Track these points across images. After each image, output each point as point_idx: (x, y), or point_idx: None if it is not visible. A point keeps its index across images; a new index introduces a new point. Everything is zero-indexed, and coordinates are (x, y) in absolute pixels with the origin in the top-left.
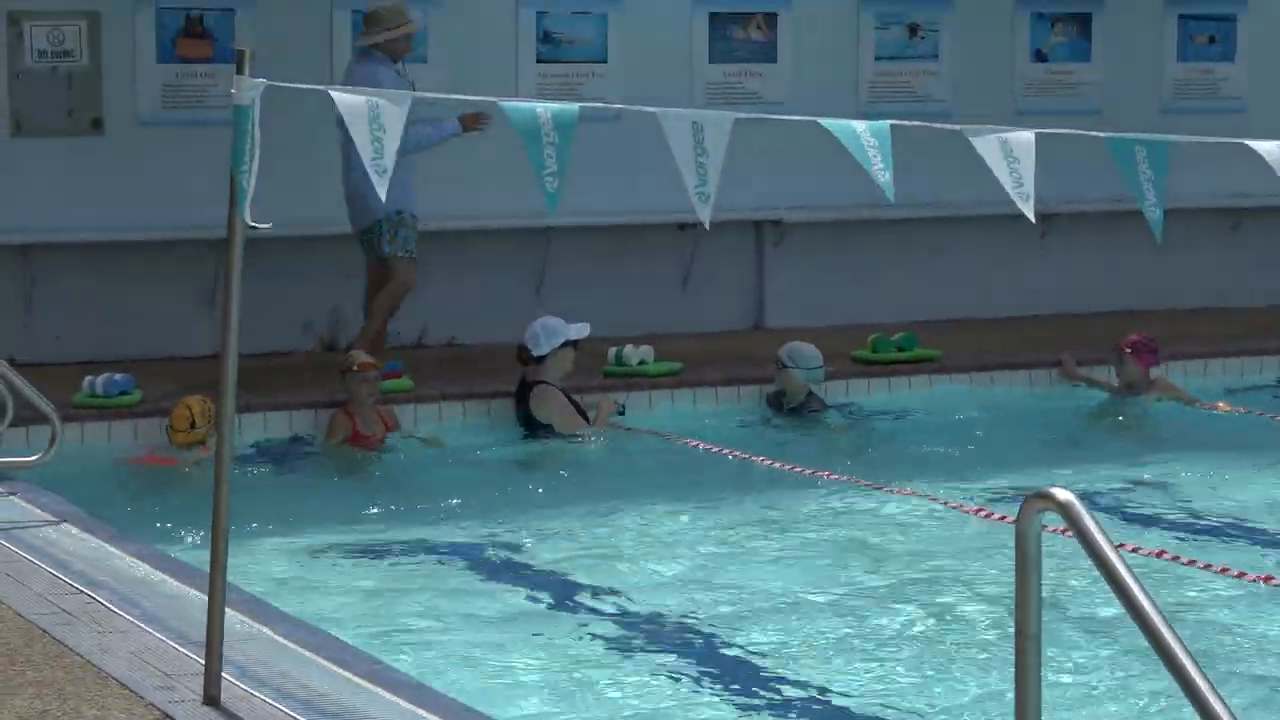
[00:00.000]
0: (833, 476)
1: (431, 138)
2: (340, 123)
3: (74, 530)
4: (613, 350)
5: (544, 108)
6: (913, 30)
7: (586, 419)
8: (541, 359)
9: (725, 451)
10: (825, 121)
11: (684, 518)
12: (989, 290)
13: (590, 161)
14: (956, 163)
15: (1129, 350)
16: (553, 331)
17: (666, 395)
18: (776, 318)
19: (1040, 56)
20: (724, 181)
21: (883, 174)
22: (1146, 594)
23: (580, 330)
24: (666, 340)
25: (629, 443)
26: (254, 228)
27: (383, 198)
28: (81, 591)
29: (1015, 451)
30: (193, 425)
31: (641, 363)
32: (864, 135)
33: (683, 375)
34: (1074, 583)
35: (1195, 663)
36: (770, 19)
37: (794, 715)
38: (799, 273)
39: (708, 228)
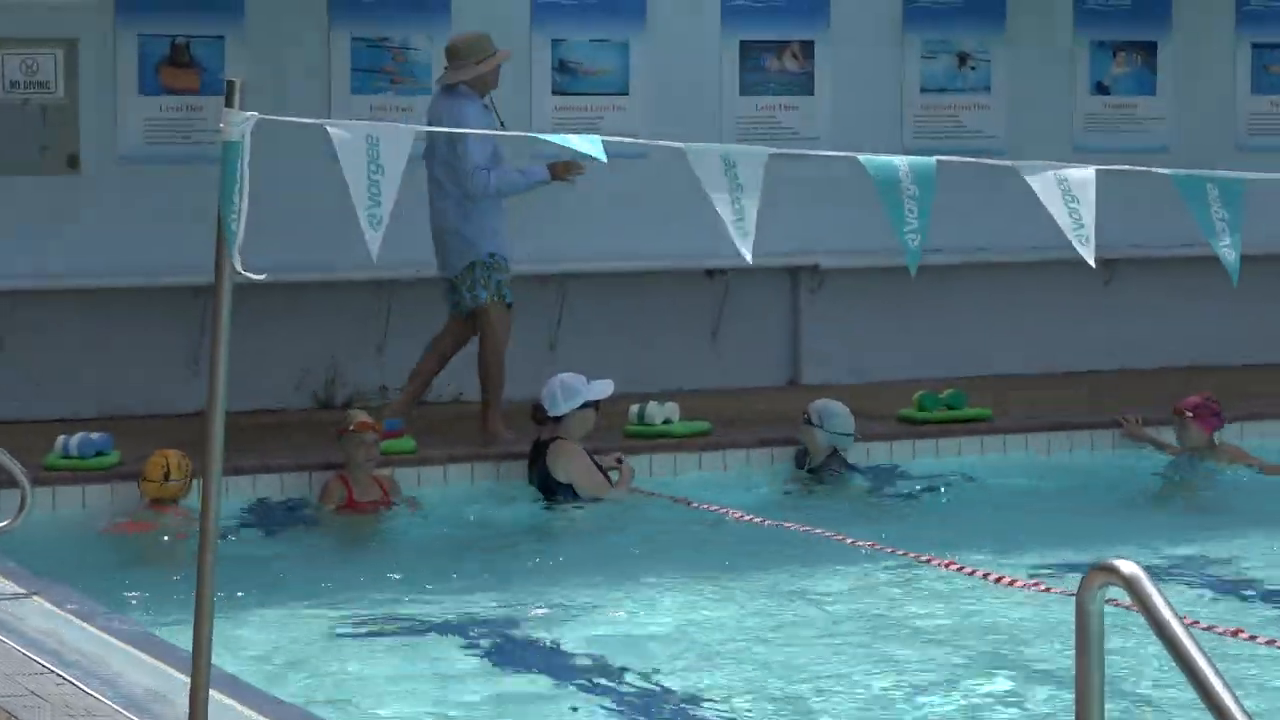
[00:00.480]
0: (875, 547)
1: (517, 185)
2: (426, 155)
3: (44, 604)
4: (635, 408)
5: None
6: (962, 59)
7: (609, 481)
8: (558, 420)
9: (758, 519)
10: (865, 158)
11: (711, 590)
12: (1046, 343)
13: (610, 201)
14: (1010, 203)
15: (1190, 414)
16: (572, 391)
17: (693, 457)
18: (814, 373)
19: (1101, 89)
20: (758, 223)
21: (913, 238)
22: (1220, 677)
23: (603, 389)
24: (693, 397)
25: (651, 509)
26: (244, 276)
27: (373, 254)
28: (52, 671)
29: (1075, 519)
30: (167, 477)
31: (666, 421)
32: (905, 179)
33: (711, 435)
34: (1139, 664)
35: None
36: (806, 47)
37: None
38: (838, 323)
39: (749, 260)
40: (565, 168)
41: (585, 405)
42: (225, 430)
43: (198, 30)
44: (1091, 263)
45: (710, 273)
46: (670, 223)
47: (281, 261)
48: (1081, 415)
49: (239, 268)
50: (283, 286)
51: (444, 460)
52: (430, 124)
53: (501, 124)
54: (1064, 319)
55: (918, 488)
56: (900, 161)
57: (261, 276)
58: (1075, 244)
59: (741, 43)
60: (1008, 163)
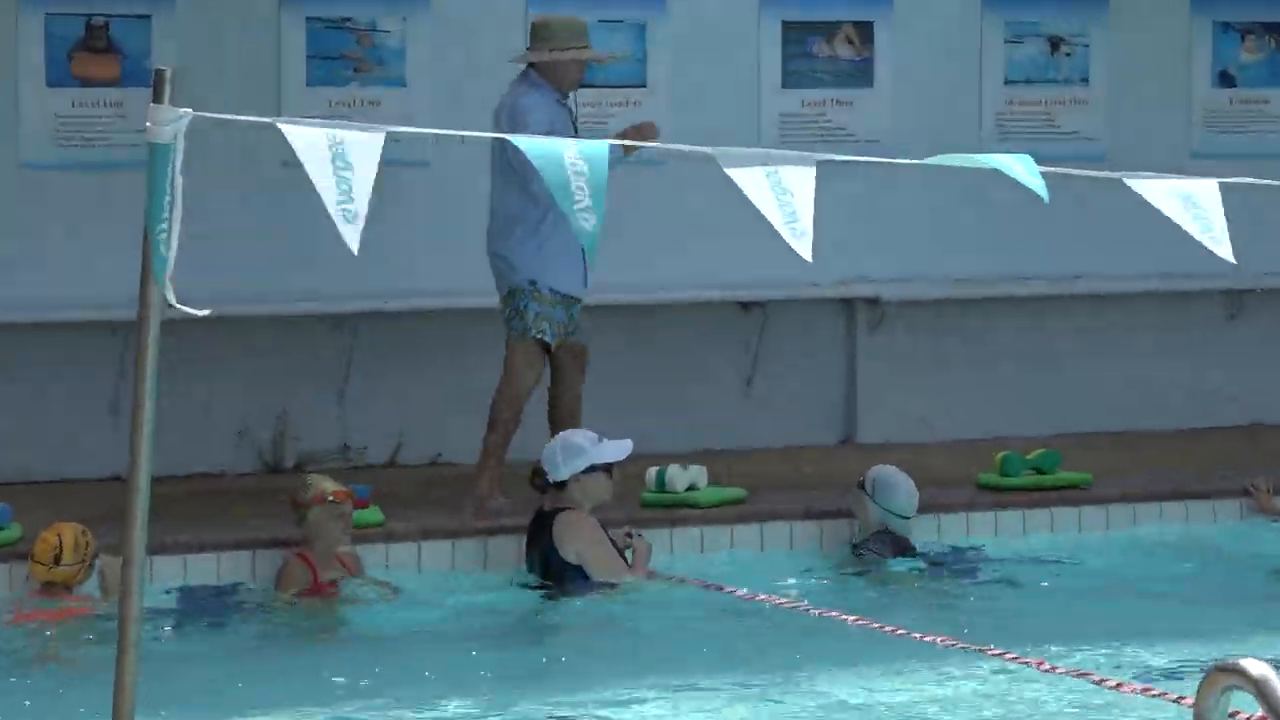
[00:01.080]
0: (950, 643)
1: None
2: (493, 159)
3: None
4: (653, 471)
5: (570, 143)
6: (1055, 45)
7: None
8: (562, 486)
9: (804, 608)
10: (951, 159)
11: (748, 695)
12: (1158, 392)
13: (623, 219)
14: (1114, 220)
15: None
16: (577, 450)
17: (724, 532)
18: (872, 429)
19: (1226, 79)
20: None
21: (1029, 176)
22: None
23: (617, 451)
24: (725, 458)
25: (674, 596)
26: (177, 310)
27: (354, 247)
28: None
29: (1192, 609)
30: (58, 560)
31: (691, 488)
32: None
33: (746, 505)
34: None
35: None
36: (864, 30)
37: None
38: (902, 368)
39: (810, 259)
40: (639, 133)
41: (593, 469)
42: (151, 499)
43: (118, 8)
44: (1231, 259)
45: (745, 305)
46: (695, 243)
47: (220, 291)
48: (1201, 482)
49: (170, 299)
50: (222, 322)
51: (417, 535)
52: (495, 115)
53: (576, 129)
54: (1179, 362)
55: (997, 570)
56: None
57: (205, 312)
58: (1208, 244)
59: (784, 24)
60: (1111, 174)
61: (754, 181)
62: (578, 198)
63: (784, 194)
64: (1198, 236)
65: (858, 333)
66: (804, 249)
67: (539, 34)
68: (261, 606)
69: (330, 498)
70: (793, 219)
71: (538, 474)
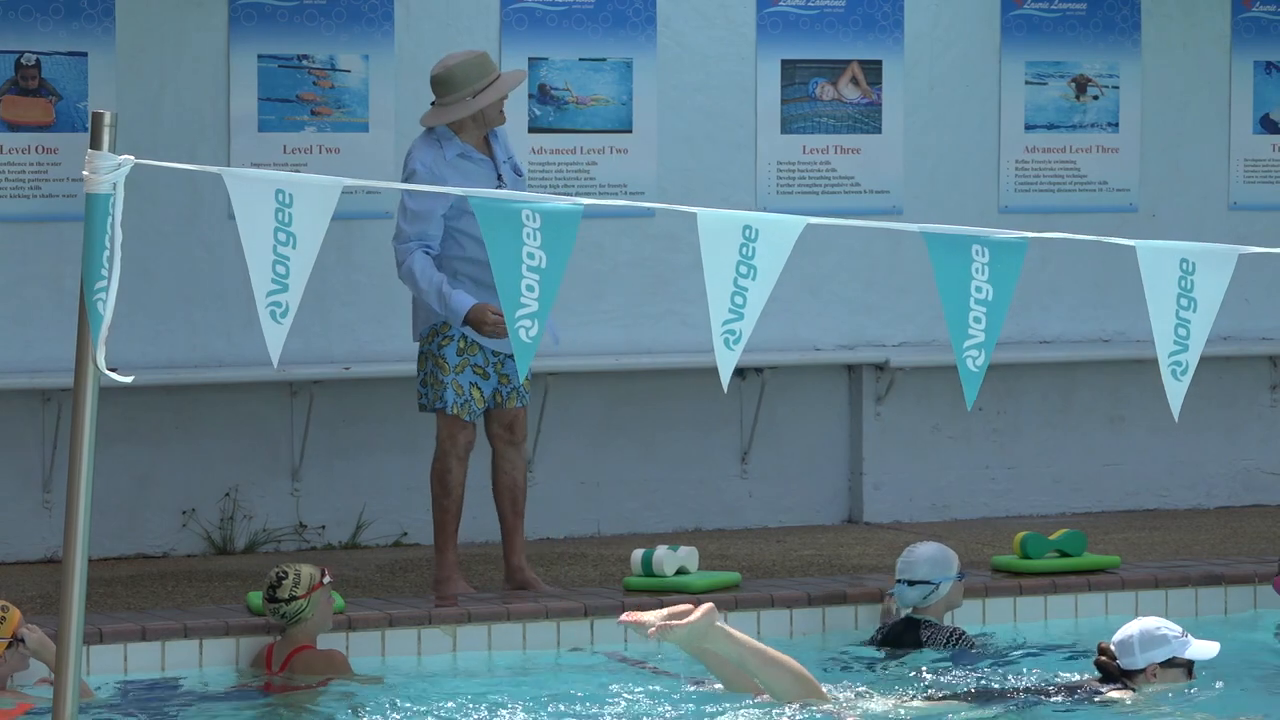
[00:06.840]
0: None
1: (424, 292)
2: None
3: None
4: (639, 553)
5: (531, 208)
6: (1081, 86)
7: None
8: (1131, 674)
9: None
10: (928, 234)
11: None
12: (1193, 466)
13: (607, 275)
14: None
15: None
16: (1156, 641)
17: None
18: (879, 507)
19: (1269, 125)
20: (805, 305)
21: (974, 357)
22: None
23: (1206, 651)
24: (718, 539)
25: (651, 684)
26: (110, 377)
27: (274, 356)
28: None
29: (1231, 702)
30: None
31: (681, 571)
32: (979, 271)
33: (741, 591)
34: None
35: None
36: (872, 70)
37: None
38: (912, 440)
39: (725, 389)
40: (491, 326)
41: (1173, 662)
42: (88, 583)
43: (52, 45)
44: (1175, 413)
45: (741, 372)
46: (686, 304)
47: (162, 356)
48: (1241, 564)
49: (101, 364)
50: (165, 389)
51: (382, 624)
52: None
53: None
54: (1216, 434)
55: (1017, 663)
56: (981, 248)
57: (129, 379)
58: (1164, 374)
59: (784, 62)
60: (1128, 242)
61: (722, 255)
62: (525, 301)
63: (746, 275)
64: (1160, 358)
65: (864, 401)
66: (724, 368)
67: (446, 86)
68: (210, 698)
69: (327, 580)
70: (736, 315)
71: (1106, 652)
